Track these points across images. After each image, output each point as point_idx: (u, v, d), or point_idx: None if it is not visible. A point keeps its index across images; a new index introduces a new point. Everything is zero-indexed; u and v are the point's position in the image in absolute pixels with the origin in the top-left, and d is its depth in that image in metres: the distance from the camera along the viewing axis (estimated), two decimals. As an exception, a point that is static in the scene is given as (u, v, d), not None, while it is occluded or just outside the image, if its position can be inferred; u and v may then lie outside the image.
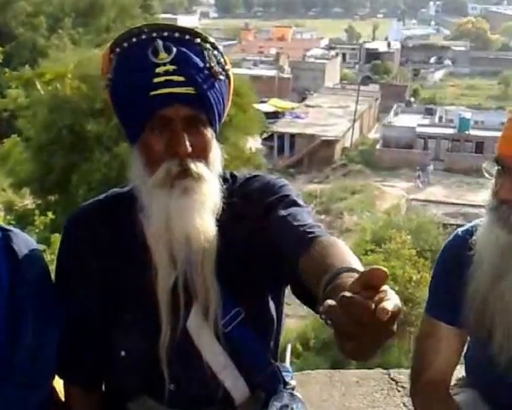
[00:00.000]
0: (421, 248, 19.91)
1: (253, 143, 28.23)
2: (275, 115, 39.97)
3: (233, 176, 1.66)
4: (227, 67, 1.54)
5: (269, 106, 40.72)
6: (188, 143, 1.45)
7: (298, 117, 41.07)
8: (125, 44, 1.48)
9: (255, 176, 1.66)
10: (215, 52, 1.51)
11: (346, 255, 1.29)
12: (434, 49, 73.76)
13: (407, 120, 42.04)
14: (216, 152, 1.54)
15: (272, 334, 1.64)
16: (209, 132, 1.51)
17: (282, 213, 1.52)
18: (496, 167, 1.64)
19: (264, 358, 1.62)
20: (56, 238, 10.94)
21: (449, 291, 1.73)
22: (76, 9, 37.43)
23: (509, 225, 1.58)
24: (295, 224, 1.48)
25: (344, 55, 66.89)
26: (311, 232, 1.44)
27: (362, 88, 44.07)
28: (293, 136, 38.06)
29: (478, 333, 1.69)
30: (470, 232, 1.72)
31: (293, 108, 43.90)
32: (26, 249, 1.54)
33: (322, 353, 15.17)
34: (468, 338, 1.82)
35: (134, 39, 1.47)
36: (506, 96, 56.52)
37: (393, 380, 3.10)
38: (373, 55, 65.96)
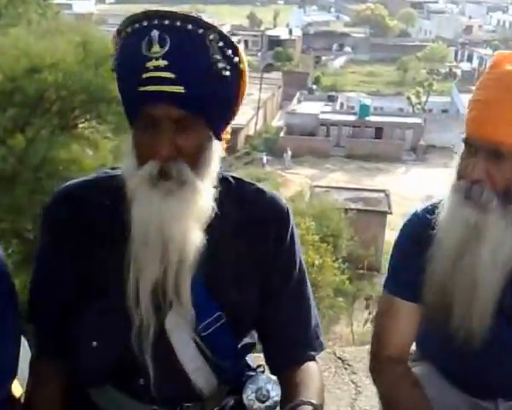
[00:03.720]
0: (324, 234, 20.33)
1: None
2: (177, 104, 39.43)
3: (236, 179, 1.61)
4: (236, 59, 1.41)
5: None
6: (170, 146, 1.36)
7: (201, 105, 40.66)
8: (129, 29, 1.39)
9: (265, 192, 1.61)
10: (220, 43, 1.38)
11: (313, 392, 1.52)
12: (335, 36, 74.92)
13: (310, 108, 42.67)
14: (211, 154, 1.44)
15: (252, 334, 1.65)
16: (203, 134, 1.41)
17: (286, 296, 1.61)
18: (463, 148, 1.65)
19: (240, 357, 1.62)
20: None
21: (408, 269, 1.75)
22: (-36, -6, 35.60)
23: (480, 205, 1.59)
24: (293, 330, 1.62)
25: (246, 42, 66.89)
26: (302, 353, 1.62)
27: (265, 75, 44.24)
28: (196, 124, 37.66)
29: (437, 310, 1.71)
30: (429, 211, 1.74)
31: (196, 97, 43.46)
32: None
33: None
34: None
35: (136, 25, 1.38)
36: (404, 81, 58.23)
37: (340, 358, 3.18)
38: (275, 43, 66.35)
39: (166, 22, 1.35)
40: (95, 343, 1.50)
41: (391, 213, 24.72)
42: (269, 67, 52.57)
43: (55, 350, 1.57)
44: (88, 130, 13.88)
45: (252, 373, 1.57)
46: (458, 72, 63.36)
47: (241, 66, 1.43)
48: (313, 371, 1.61)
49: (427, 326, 1.78)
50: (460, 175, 1.65)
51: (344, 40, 74.20)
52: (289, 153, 35.03)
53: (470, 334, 1.67)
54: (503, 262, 1.63)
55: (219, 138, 1.47)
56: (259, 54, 66.81)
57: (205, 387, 1.57)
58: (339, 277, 19.02)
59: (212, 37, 1.37)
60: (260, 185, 1.63)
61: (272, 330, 1.62)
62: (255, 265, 1.56)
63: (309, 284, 1.67)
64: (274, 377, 1.52)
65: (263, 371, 1.57)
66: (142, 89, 1.34)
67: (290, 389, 1.53)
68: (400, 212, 27.47)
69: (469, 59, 71.26)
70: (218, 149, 1.47)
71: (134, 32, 1.38)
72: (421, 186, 31.62)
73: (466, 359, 1.75)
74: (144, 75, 1.34)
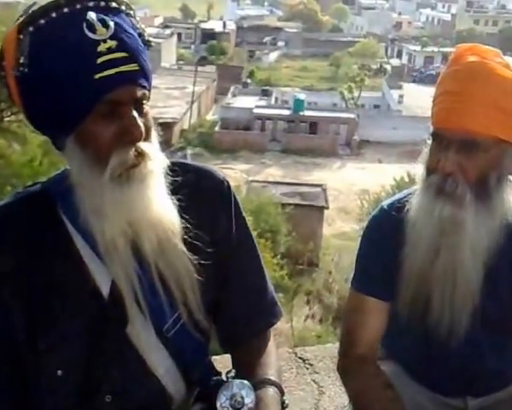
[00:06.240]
0: (262, 230, 20.32)
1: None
2: (110, 97, 38.78)
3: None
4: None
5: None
6: (142, 126, 1.31)
7: (134, 99, 40.13)
8: (42, 21, 1.27)
9: (200, 168, 1.57)
10: (137, 18, 1.37)
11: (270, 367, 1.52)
12: (268, 30, 75.27)
13: (245, 102, 42.69)
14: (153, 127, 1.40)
15: (209, 330, 1.58)
16: (149, 107, 1.37)
17: (242, 266, 1.57)
18: (431, 141, 1.65)
19: (203, 355, 1.56)
20: None
21: (376, 266, 1.74)
22: None
23: (455, 199, 1.58)
24: (246, 302, 1.56)
25: (179, 34, 66.50)
26: (254, 327, 1.58)
27: (199, 69, 44.01)
28: (129, 118, 37.12)
29: (414, 307, 1.69)
30: (396, 206, 1.74)
31: (128, 90, 42.87)
32: None
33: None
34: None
35: (53, 14, 1.27)
36: (337, 77, 58.90)
37: (301, 358, 3.14)
38: (209, 36, 66.24)
39: (91, 4, 1.29)
40: (60, 372, 1.40)
41: (328, 207, 24.91)
42: (203, 61, 52.33)
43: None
44: (15, 124, 13.47)
45: (220, 378, 1.48)
46: (388, 67, 64.53)
47: None
48: (271, 346, 1.60)
49: (401, 324, 1.74)
50: (430, 170, 1.62)
51: (277, 35, 74.57)
52: (189, 152, 34.63)
53: (451, 329, 1.67)
54: (481, 256, 1.64)
55: None
56: (193, 47, 66.66)
57: (174, 392, 1.50)
58: (278, 272, 19.04)
59: (131, 12, 1.36)
60: (191, 162, 1.60)
61: (230, 303, 1.57)
62: (207, 245, 1.48)
63: (260, 252, 1.64)
64: (247, 382, 1.43)
65: (234, 376, 1.46)
66: (99, 75, 1.25)
67: (251, 365, 1.52)
68: (337, 206, 27.88)
69: (399, 55, 72.76)
70: None
71: (56, 21, 1.27)
72: (356, 181, 32.08)
73: (434, 358, 1.77)
74: (99, 60, 1.25)
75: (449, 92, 1.60)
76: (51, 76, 1.27)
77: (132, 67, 1.29)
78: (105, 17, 1.28)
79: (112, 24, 1.28)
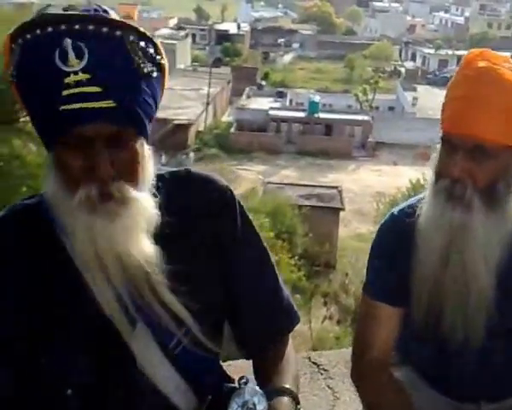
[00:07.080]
0: (279, 231, 20.35)
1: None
2: (126, 98, 38.90)
3: (171, 173, 1.48)
4: (159, 58, 1.28)
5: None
6: (109, 166, 1.22)
7: (150, 100, 40.22)
8: (28, 36, 1.20)
9: (202, 177, 1.50)
10: (142, 44, 1.23)
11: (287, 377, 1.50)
12: (282, 32, 75.31)
13: (259, 103, 42.70)
14: (146, 161, 1.31)
15: (220, 340, 1.53)
16: (138, 143, 1.27)
17: (255, 272, 1.52)
18: (440, 146, 1.63)
19: (213, 366, 1.54)
20: None
21: (387, 272, 1.73)
22: None
23: (464, 204, 1.57)
24: (260, 310, 1.53)
25: (194, 35, 66.62)
26: (271, 335, 1.55)
27: (214, 70, 44.06)
28: (145, 119, 37.21)
29: (428, 314, 1.68)
30: (406, 212, 1.72)
31: (144, 91, 42.98)
32: None
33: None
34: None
35: (38, 31, 1.19)
36: (351, 79, 58.90)
37: (315, 364, 3.09)
38: (223, 37, 66.37)
39: (77, 27, 1.18)
40: (69, 391, 1.35)
41: (344, 209, 24.93)
42: (217, 62, 52.39)
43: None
44: (29, 124, 13.51)
45: (233, 385, 1.48)
46: (402, 70, 64.44)
47: (163, 62, 1.30)
48: (289, 352, 1.58)
49: (415, 330, 1.73)
50: (439, 175, 1.62)
51: (292, 36, 74.59)
52: (192, 154, 34.67)
53: (465, 335, 1.65)
54: (493, 263, 1.62)
55: (147, 138, 1.33)
56: (207, 48, 66.68)
57: (186, 406, 1.46)
58: (295, 274, 19.06)
59: (131, 38, 1.23)
60: (193, 170, 1.52)
61: (246, 311, 1.53)
62: (214, 256, 1.45)
63: (272, 257, 1.58)
64: (259, 389, 1.40)
65: (246, 383, 1.42)
66: (64, 107, 1.18)
67: (268, 372, 1.50)
68: (353, 208, 27.89)
69: (413, 57, 72.65)
70: (149, 151, 1.33)
71: (37, 39, 1.19)
72: (372, 182, 32.07)
73: (448, 363, 1.75)
74: (65, 92, 1.17)
75: (458, 97, 1.59)
76: (29, 94, 1.24)
77: (105, 103, 1.19)
78: (83, 45, 1.18)
79: (87, 55, 1.17)
